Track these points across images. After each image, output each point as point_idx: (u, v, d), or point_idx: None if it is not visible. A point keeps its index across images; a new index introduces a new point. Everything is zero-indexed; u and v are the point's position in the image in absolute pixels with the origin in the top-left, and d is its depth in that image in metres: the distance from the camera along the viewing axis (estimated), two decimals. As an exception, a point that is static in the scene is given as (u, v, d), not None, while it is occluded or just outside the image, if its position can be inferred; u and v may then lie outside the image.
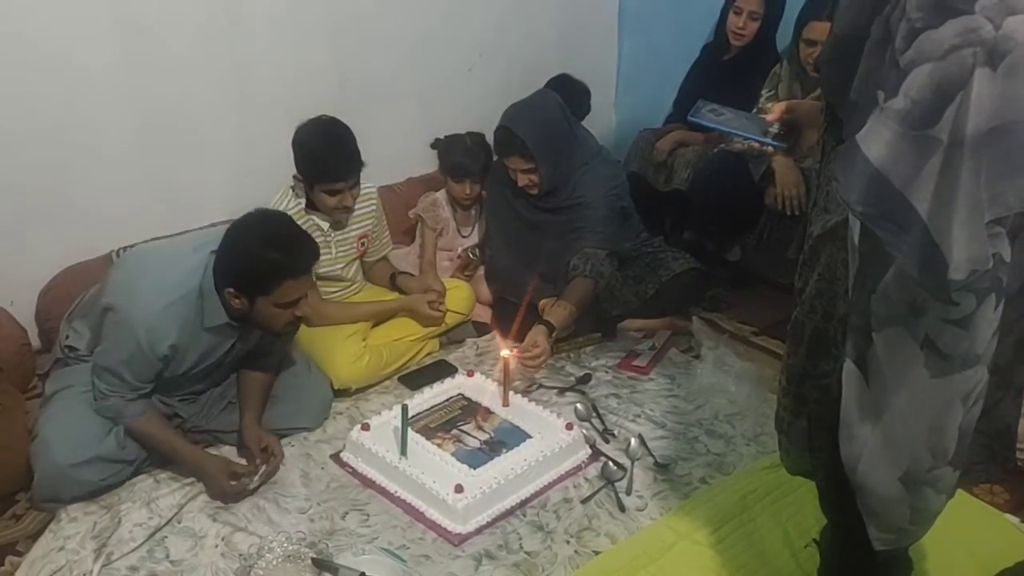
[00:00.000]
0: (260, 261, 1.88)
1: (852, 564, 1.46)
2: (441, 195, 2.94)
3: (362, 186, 2.44)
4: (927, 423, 1.14)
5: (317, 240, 2.44)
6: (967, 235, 1.01)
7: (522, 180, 2.57)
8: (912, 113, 1.02)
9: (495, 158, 2.73)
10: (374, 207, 2.60)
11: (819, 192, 1.35)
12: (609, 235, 2.58)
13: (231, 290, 1.91)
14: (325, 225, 2.47)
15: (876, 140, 1.05)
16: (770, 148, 1.66)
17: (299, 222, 2.39)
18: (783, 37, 3.08)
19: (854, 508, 1.29)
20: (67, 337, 2.10)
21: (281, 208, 2.39)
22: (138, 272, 2.00)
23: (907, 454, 1.17)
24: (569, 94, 2.81)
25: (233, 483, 1.95)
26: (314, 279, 2.47)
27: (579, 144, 2.62)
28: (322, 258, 2.47)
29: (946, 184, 1.01)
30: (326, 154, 2.33)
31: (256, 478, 1.99)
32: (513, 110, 2.57)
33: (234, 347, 2.07)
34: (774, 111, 1.58)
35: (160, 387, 2.03)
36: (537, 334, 2.35)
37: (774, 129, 1.53)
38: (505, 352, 2.23)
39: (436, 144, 2.93)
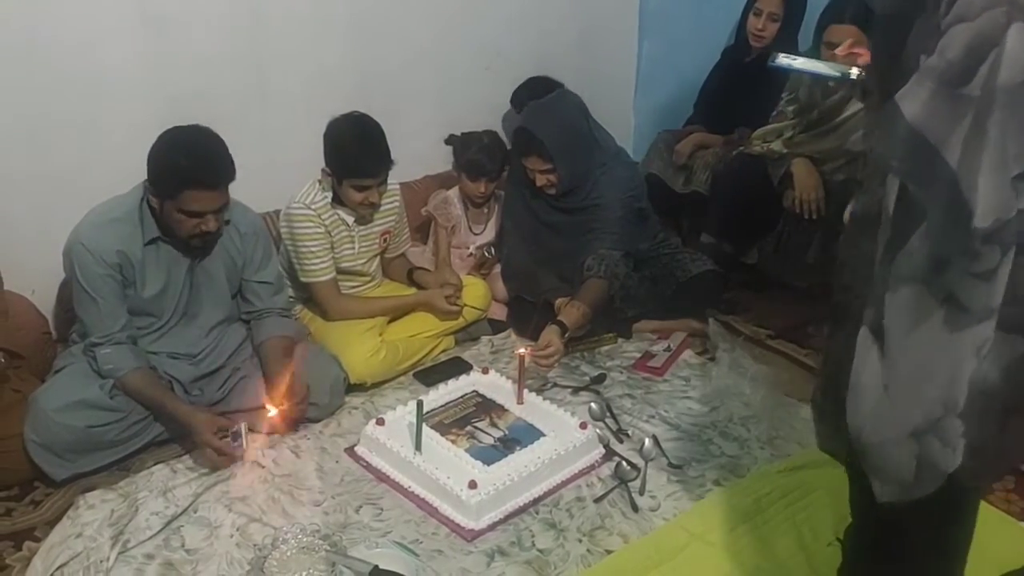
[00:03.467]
0: (167, 163, 1.96)
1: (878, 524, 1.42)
2: (453, 193, 2.94)
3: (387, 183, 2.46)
4: (943, 376, 1.14)
5: (341, 234, 2.47)
6: (992, 185, 1.02)
7: (540, 180, 2.57)
8: (948, 71, 1.05)
9: (512, 157, 2.73)
10: (397, 204, 2.61)
11: (863, 172, 1.35)
12: (624, 236, 2.58)
13: (151, 188, 2.00)
14: (350, 220, 2.48)
15: (913, 98, 1.08)
16: (848, 83, 1.70)
17: (325, 216, 2.42)
18: (805, 40, 3.07)
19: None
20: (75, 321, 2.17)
21: (308, 201, 2.41)
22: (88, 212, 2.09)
23: (918, 407, 1.17)
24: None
25: (215, 436, 1.99)
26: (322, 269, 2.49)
27: (597, 145, 2.62)
28: (345, 252, 2.50)
29: (975, 137, 1.03)
30: (357, 151, 2.35)
31: (246, 443, 2.04)
32: (532, 111, 2.57)
33: (194, 270, 2.14)
34: (845, 45, 1.65)
35: (146, 328, 2.12)
36: (550, 333, 2.35)
37: (851, 72, 1.54)
38: (521, 350, 2.24)
39: (451, 140, 2.93)
